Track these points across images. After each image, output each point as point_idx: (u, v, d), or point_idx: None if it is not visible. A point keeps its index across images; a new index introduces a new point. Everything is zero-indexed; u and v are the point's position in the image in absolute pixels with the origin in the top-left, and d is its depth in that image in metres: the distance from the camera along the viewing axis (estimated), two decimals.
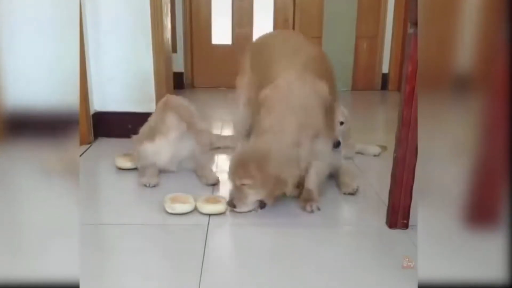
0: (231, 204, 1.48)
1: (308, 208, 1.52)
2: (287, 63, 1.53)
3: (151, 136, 1.79)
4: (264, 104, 1.49)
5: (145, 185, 1.71)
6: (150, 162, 1.79)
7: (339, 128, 1.77)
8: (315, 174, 1.56)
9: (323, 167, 1.58)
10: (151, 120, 1.88)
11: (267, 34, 1.85)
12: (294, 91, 1.47)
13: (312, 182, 1.56)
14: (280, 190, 1.46)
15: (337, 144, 1.74)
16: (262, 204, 1.51)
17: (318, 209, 1.53)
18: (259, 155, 1.42)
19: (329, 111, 1.53)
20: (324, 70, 1.57)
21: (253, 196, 1.47)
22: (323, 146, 1.52)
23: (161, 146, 1.77)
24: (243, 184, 1.45)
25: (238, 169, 1.45)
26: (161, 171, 1.83)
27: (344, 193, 1.68)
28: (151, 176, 1.73)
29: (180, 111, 1.79)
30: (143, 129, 1.89)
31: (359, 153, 2.15)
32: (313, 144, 1.48)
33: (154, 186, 1.70)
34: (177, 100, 1.85)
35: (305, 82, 1.48)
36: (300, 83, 1.48)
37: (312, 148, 1.48)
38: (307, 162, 1.50)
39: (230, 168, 1.49)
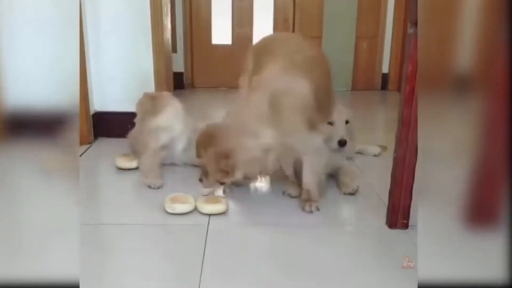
0: (200, 180, 1.56)
1: (307, 208, 1.52)
2: (279, 61, 1.54)
3: (154, 113, 1.85)
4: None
5: (150, 187, 1.70)
6: (160, 141, 1.83)
7: (344, 127, 1.75)
8: (311, 173, 1.56)
9: (318, 164, 1.58)
10: (140, 114, 1.96)
11: (269, 35, 1.87)
12: (268, 85, 1.48)
13: (309, 182, 1.56)
14: (228, 173, 1.47)
15: (343, 143, 1.73)
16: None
17: (318, 209, 1.53)
18: (207, 135, 1.51)
19: (312, 110, 1.50)
20: (317, 71, 1.55)
21: (213, 175, 1.49)
22: (304, 142, 1.50)
23: (168, 116, 1.83)
24: (202, 164, 1.52)
25: (195, 150, 1.56)
26: (165, 165, 1.84)
27: (344, 193, 1.68)
28: (155, 177, 1.73)
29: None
30: (137, 119, 1.98)
31: (359, 153, 2.15)
32: (289, 138, 1.47)
33: (158, 187, 1.70)
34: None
35: (285, 77, 1.48)
36: (280, 78, 1.48)
37: (286, 142, 1.46)
38: (279, 154, 1.49)
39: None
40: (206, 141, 1.49)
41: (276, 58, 1.56)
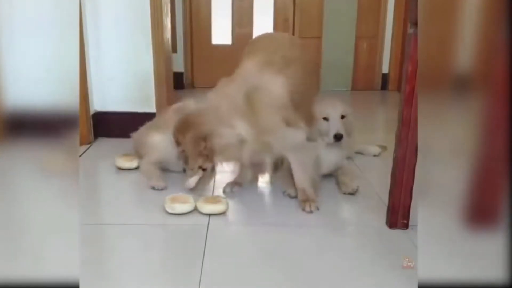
0: (184, 170, 1.59)
1: (307, 208, 1.52)
2: (255, 58, 1.55)
3: (156, 129, 1.88)
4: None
5: (154, 188, 1.69)
6: (156, 156, 1.83)
7: (339, 121, 1.72)
8: (300, 171, 1.56)
9: (305, 161, 1.57)
10: (153, 122, 2.00)
11: (260, 34, 1.87)
12: (244, 79, 1.50)
13: (302, 181, 1.56)
14: (208, 157, 1.49)
15: (339, 137, 1.69)
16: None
17: (317, 208, 1.53)
18: (184, 121, 1.52)
19: (287, 108, 1.50)
20: (294, 70, 1.55)
21: (193, 158, 1.51)
22: (283, 139, 1.50)
23: (163, 139, 1.81)
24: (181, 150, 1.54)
25: (173, 138, 1.57)
26: (164, 169, 1.84)
27: (344, 193, 1.68)
28: (158, 179, 1.73)
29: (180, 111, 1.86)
30: (146, 124, 1.99)
31: (359, 153, 2.15)
32: (265, 136, 1.48)
33: (162, 189, 1.69)
34: (184, 104, 1.96)
35: (259, 74, 1.49)
36: (254, 75, 1.49)
37: (263, 139, 1.48)
38: (256, 148, 1.50)
39: None
40: (184, 127, 1.50)
41: (255, 55, 1.58)
